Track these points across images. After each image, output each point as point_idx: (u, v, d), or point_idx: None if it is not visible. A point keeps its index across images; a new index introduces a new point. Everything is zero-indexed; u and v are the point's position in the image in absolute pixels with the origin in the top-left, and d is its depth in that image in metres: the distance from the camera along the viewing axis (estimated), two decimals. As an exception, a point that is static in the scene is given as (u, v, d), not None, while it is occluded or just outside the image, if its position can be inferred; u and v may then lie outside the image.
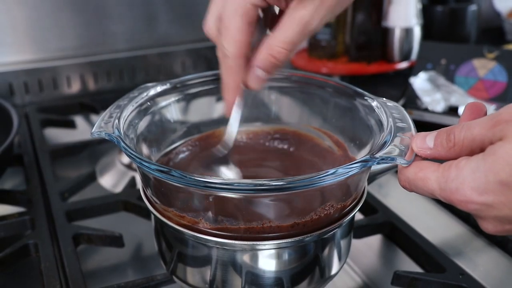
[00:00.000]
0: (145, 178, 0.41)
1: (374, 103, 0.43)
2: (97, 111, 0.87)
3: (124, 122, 0.42)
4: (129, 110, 0.43)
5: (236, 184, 0.34)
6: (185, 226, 0.38)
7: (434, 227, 0.58)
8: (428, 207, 0.62)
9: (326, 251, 0.42)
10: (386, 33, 0.99)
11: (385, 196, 0.62)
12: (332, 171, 0.34)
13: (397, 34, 0.98)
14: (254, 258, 0.39)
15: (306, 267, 0.41)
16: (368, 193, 0.60)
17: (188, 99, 0.50)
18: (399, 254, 0.56)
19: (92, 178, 0.69)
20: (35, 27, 0.89)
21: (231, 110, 0.43)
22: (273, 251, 0.39)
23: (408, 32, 0.98)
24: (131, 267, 0.58)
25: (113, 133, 0.39)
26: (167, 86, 0.48)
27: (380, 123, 0.41)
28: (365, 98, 0.45)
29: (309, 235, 0.38)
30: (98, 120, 0.41)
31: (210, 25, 0.42)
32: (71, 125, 0.86)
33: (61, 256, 0.52)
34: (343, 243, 0.44)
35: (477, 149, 0.32)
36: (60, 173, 0.74)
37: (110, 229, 0.55)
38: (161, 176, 0.35)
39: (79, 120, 0.89)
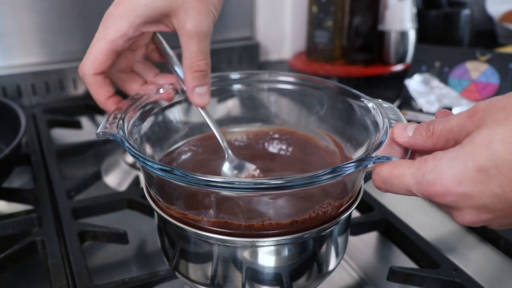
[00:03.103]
0: (148, 177, 0.41)
1: (370, 104, 0.44)
2: (102, 112, 0.87)
3: (128, 123, 0.42)
4: (133, 111, 0.44)
5: (236, 183, 0.34)
6: (187, 224, 0.39)
7: (428, 224, 0.59)
8: (423, 205, 0.62)
9: (324, 247, 0.42)
10: (382, 36, 1.00)
11: (381, 195, 0.62)
12: (329, 170, 0.34)
13: (393, 38, 0.99)
14: (254, 254, 0.40)
15: (305, 263, 0.41)
16: (365, 191, 0.60)
17: (190, 100, 0.51)
18: (395, 250, 0.57)
19: (97, 177, 0.69)
20: (42, 30, 0.89)
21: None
22: (272, 247, 0.39)
23: (403, 35, 0.99)
24: (135, 263, 0.58)
25: (118, 133, 0.39)
26: (170, 88, 0.49)
27: (376, 124, 0.42)
28: (362, 99, 0.45)
29: (307, 232, 0.38)
30: (103, 121, 0.41)
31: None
32: (77, 125, 0.86)
33: (67, 253, 0.52)
34: (340, 240, 0.44)
35: (452, 140, 0.32)
36: (66, 172, 0.74)
37: (115, 226, 0.56)
38: (164, 175, 0.35)
39: (84, 120, 0.89)
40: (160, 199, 0.41)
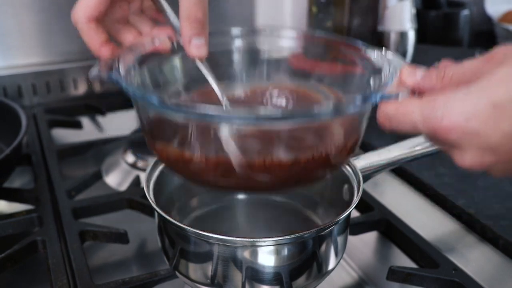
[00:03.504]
0: (145, 118, 0.40)
1: (374, 55, 0.42)
2: (102, 112, 0.88)
3: (124, 70, 0.40)
4: (128, 61, 0.42)
5: (237, 116, 0.33)
6: (184, 162, 0.37)
7: (428, 223, 0.59)
8: (422, 204, 0.62)
9: (323, 247, 0.42)
10: (382, 37, 1.00)
11: (380, 194, 0.62)
12: (334, 106, 0.34)
13: (392, 38, 0.99)
14: (254, 254, 0.40)
15: (304, 262, 0.42)
16: (364, 191, 0.59)
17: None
18: (394, 250, 0.57)
19: (97, 177, 0.69)
20: (42, 31, 0.89)
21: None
22: (272, 247, 0.40)
23: (403, 36, 0.99)
24: (135, 263, 0.58)
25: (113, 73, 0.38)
26: (166, 38, 0.46)
27: (380, 75, 0.40)
28: (364, 50, 0.44)
29: (307, 232, 0.39)
30: (96, 64, 0.39)
31: None
32: (78, 125, 0.86)
33: (68, 252, 0.53)
34: (339, 239, 0.44)
35: (464, 84, 0.30)
36: (67, 172, 0.74)
37: (115, 226, 0.56)
38: (167, 110, 0.34)
39: (85, 120, 0.89)
40: (158, 141, 0.40)
